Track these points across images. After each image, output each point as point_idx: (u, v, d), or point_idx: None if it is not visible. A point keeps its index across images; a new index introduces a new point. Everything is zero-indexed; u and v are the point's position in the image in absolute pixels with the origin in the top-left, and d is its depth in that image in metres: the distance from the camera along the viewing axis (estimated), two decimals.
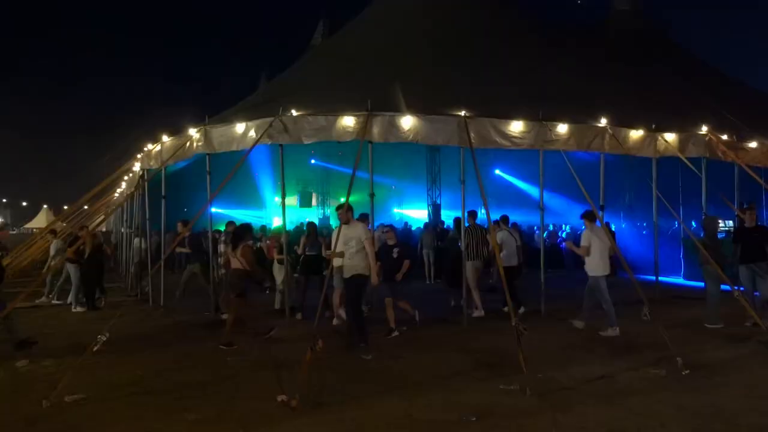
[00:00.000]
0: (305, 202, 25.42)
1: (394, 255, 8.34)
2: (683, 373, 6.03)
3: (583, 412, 4.98)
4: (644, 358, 6.71)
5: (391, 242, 8.54)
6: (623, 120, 10.36)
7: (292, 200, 24.32)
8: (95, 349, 6.00)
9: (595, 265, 8.21)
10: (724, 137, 11.23)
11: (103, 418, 5.05)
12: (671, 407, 5.09)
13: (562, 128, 9.69)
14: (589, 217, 8.32)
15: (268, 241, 12.14)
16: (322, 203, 25.87)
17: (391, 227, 8.93)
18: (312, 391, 5.52)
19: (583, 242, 8.22)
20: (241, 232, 8.27)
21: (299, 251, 9.85)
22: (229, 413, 5.11)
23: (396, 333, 8.10)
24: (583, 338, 7.93)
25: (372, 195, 9.19)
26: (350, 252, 7.45)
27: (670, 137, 10.75)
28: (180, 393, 5.70)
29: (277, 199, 21.51)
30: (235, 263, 7.91)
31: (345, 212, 7.54)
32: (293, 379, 5.68)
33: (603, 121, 9.98)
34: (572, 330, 8.45)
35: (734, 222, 14.37)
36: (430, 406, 5.21)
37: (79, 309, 10.95)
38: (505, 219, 10.39)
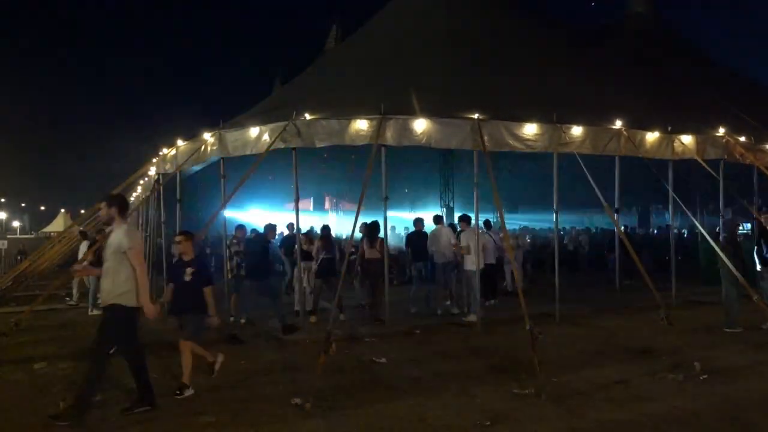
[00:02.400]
0: (319, 205, 25.55)
1: (187, 277, 5.92)
2: (701, 378, 5.95)
3: (598, 418, 4.93)
4: (661, 363, 6.61)
5: (186, 258, 6.09)
6: (639, 122, 10.26)
7: (305, 203, 24.44)
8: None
9: (472, 262, 9.31)
10: (742, 139, 11.08)
11: (118, 420, 5.09)
12: (689, 413, 5.02)
13: (577, 131, 9.62)
14: (466, 220, 9.64)
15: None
16: (336, 206, 25.97)
17: (184, 235, 6.26)
18: (325, 393, 5.52)
19: (463, 242, 9.52)
20: (375, 227, 9.57)
21: (314, 255, 9.87)
22: (243, 416, 5.13)
23: (190, 391, 5.70)
24: (598, 342, 7.85)
25: (386, 198, 9.19)
26: (105, 267, 5.17)
27: (687, 139, 10.62)
28: (195, 396, 5.73)
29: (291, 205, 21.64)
30: (373, 254, 9.28)
31: (106, 208, 5.21)
32: (307, 382, 5.69)
33: (618, 124, 9.88)
34: (587, 334, 8.38)
35: (753, 225, 14.16)
36: (444, 411, 5.18)
37: (95, 312, 11.06)
38: (438, 218, 10.94)
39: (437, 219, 10.91)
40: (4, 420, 5.14)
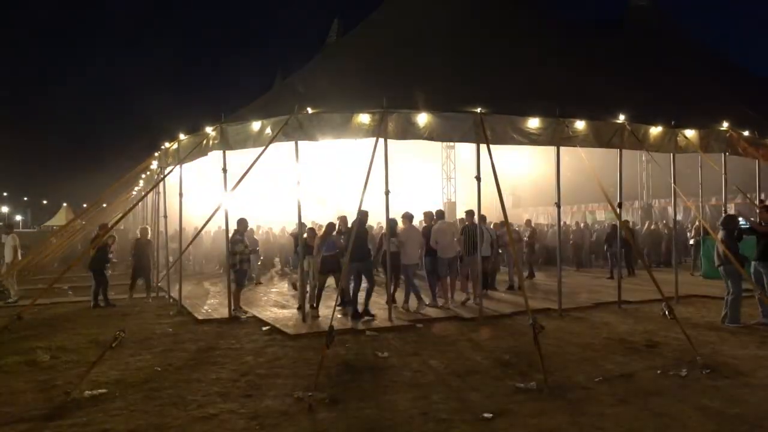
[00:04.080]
0: (319, 200, 25.42)
1: None
2: (704, 372, 5.93)
3: (601, 413, 4.91)
4: (664, 358, 6.61)
5: None
6: (642, 116, 10.22)
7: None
8: (114, 345, 6.07)
9: (410, 256, 9.88)
10: (745, 133, 11.05)
11: (122, 411, 5.10)
12: (692, 408, 5.01)
13: (580, 125, 9.59)
14: (407, 217, 10.12)
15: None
16: (338, 200, 25.85)
17: None
18: (328, 387, 5.53)
19: (401, 237, 10.00)
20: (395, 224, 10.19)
21: (315, 251, 9.87)
22: (245, 408, 5.13)
23: None
24: (600, 337, 7.84)
25: (387, 192, 9.16)
26: None
27: (690, 133, 10.59)
28: (197, 388, 5.74)
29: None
30: (392, 247, 9.80)
31: None
32: (309, 376, 5.69)
33: (621, 118, 9.85)
34: (590, 328, 8.38)
35: (756, 219, 14.12)
36: (446, 404, 5.18)
37: (101, 305, 11.11)
38: (440, 213, 11.13)
39: (440, 214, 10.97)
40: (8, 413, 5.14)
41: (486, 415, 4.85)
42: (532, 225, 16.62)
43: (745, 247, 8.66)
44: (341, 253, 9.65)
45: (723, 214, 10.13)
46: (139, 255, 11.89)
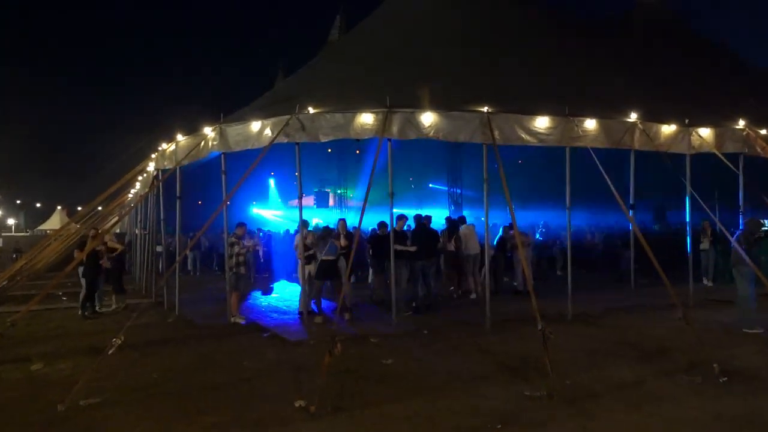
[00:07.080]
0: (322, 202, 25.27)
1: None
2: (720, 380, 5.68)
3: (612, 419, 4.74)
4: (677, 364, 6.38)
5: None
6: (654, 115, 9.92)
7: (308, 200, 24.21)
8: (110, 352, 5.86)
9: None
10: (763, 132, 10.72)
11: (119, 421, 4.94)
12: (707, 415, 4.81)
13: (590, 124, 9.32)
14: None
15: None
16: (340, 203, 25.68)
17: None
18: (330, 395, 5.33)
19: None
20: (455, 224, 11.82)
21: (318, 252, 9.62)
22: (246, 416, 4.97)
23: None
24: (611, 342, 7.59)
25: (392, 194, 8.93)
26: None
27: (705, 132, 10.27)
28: (197, 395, 5.58)
29: (294, 202, 21.44)
30: (451, 247, 11.33)
31: None
32: (312, 383, 5.53)
33: (633, 116, 9.57)
34: (599, 334, 8.14)
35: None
36: (453, 411, 4.99)
37: (110, 307, 10.91)
38: (462, 218, 12.59)
39: (463, 220, 12.39)
40: (1, 422, 4.99)
41: (495, 423, 4.64)
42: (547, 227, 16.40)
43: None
44: (341, 257, 9.45)
45: (741, 217, 9.84)
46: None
